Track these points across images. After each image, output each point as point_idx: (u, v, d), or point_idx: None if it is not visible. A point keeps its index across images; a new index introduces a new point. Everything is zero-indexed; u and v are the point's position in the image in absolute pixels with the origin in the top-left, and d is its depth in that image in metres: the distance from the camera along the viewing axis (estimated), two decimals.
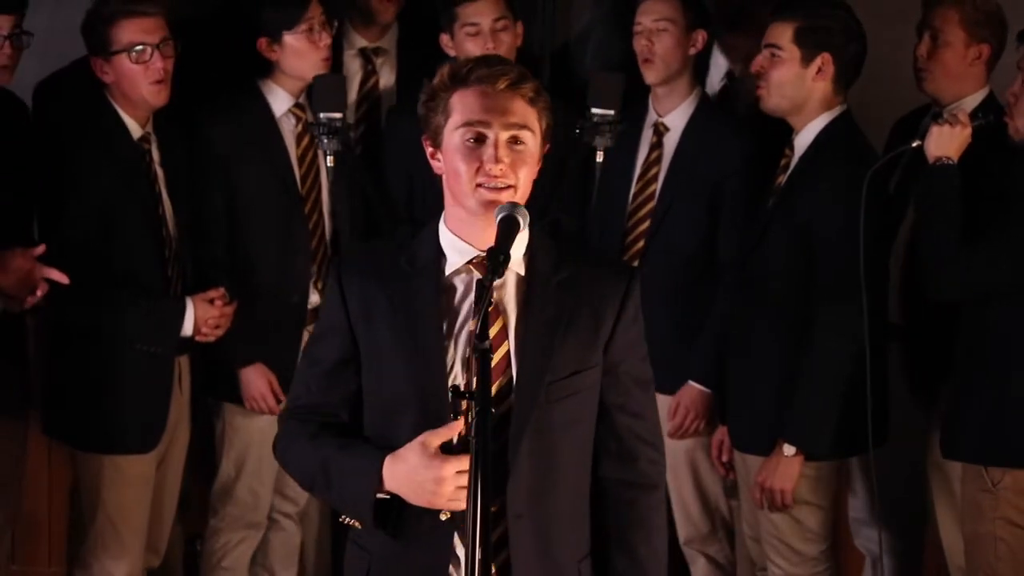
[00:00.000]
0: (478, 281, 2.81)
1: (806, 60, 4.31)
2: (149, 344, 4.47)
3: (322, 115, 4.53)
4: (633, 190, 4.74)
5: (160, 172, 4.55)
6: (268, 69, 4.74)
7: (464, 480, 2.81)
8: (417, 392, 2.95)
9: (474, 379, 2.74)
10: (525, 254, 3.00)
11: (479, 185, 2.91)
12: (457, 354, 2.96)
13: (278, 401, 4.73)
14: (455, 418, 2.91)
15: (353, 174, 4.72)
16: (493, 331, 2.95)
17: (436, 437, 2.90)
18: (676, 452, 4.77)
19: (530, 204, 3.09)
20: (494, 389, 2.90)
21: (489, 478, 2.71)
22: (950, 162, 4.11)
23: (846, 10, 4.38)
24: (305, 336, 4.72)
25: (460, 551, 2.95)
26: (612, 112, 4.50)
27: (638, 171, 4.75)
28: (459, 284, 2.99)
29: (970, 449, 4.14)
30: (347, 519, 3.03)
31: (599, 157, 4.53)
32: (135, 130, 4.48)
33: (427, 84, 3.00)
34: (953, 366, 4.23)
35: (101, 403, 4.47)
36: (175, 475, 4.73)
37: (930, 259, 4.11)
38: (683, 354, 4.65)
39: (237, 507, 4.86)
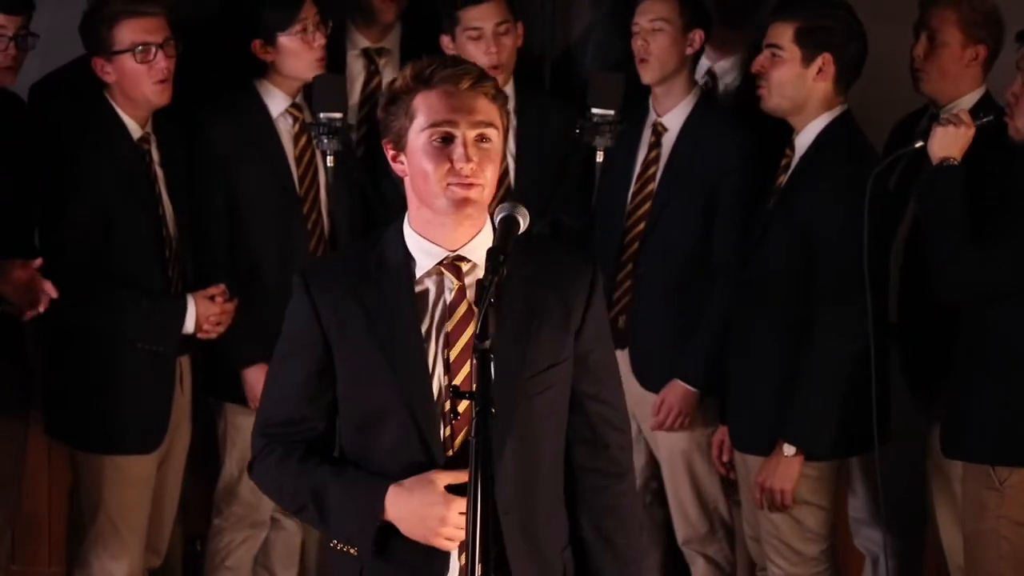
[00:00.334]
0: (478, 281, 2.80)
1: (807, 60, 4.31)
2: (151, 343, 4.47)
3: (322, 115, 4.53)
4: (632, 190, 4.75)
5: (160, 172, 4.55)
6: (265, 69, 4.75)
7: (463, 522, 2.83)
8: (399, 397, 2.94)
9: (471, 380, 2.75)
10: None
11: (449, 184, 2.90)
12: (438, 356, 2.96)
13: None
14: (455, 418, 2.91)
15: (352, 174, 4.72)
16: (468, 332, 2.95)
17: (444, 476, 2.91)
18: (673, 453, 4.78)
19: (530, 204, 3.09)
20: (474, 388, 2.89)
21: (489, 479, 2.71)
22: (954, 163, 4.11)
23: (847, 10, 4.38)
24: None
25: (453, 554, 2.97)
26: (612, 112, 4.50)
27: (637, 171, 4.76)
28: (431, 286, 2.99)
29: (976, 449, 4.13)
30: (340, 545, 3.01)
31: (599, 157, 4.53)
32: (135, 130, 4.48)
33: (386, 88, 3.01)
34: (953, 366, 4.23)
35: (103, 404, 4.47)
36: (176, 475, 4.73)
37: (937, 260, 4.11)
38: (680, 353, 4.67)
39: (240, 507, 4.87)
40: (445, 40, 4.75)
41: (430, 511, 2.90)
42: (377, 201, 4.73)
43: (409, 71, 2.95)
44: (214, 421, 4.90)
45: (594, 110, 4.50)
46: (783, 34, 4.33)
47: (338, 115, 4.53)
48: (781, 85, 4.34)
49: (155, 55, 4.39)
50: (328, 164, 4.59)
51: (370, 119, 5.04)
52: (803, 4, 4.35)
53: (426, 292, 2.98)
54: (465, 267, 2.98)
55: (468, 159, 2.89)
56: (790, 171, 4.40)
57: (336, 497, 2.98)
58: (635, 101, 4.68)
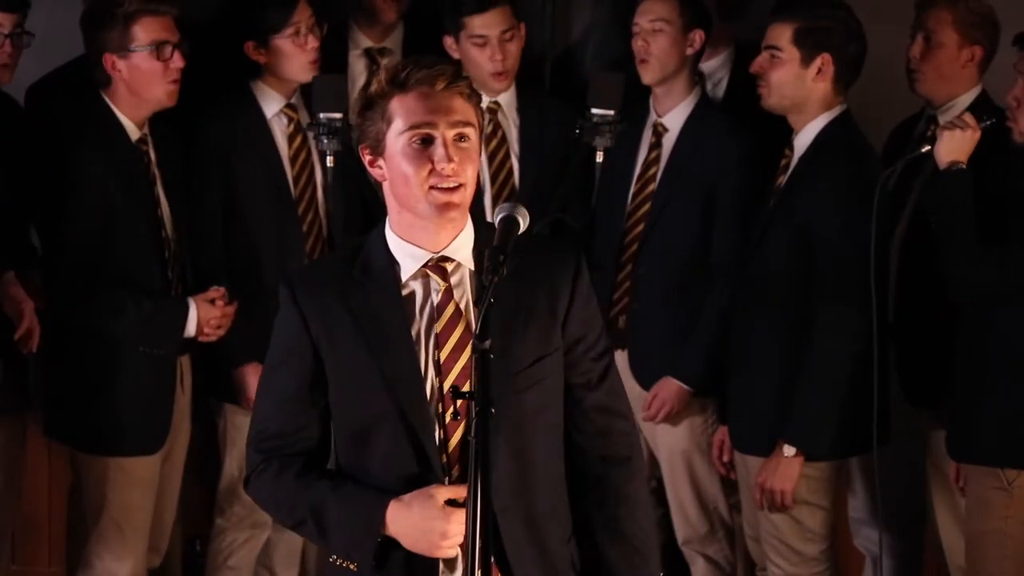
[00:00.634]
0: (478, 282, 2.80)
1: (806, 61, 4.31)
2: (152, 346, 4.47)
3: (322, 115, 4.54)
4: (632, 190, 4.75)
5: (158, 173, 4.54)
6: (261, 70, 4.75)
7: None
8: (393, 402, 2.94)
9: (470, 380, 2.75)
10: (474, 249, 2.99)
11: (432, 187, 2.90)
12: (429, 359, 2.96)
13: None
14: (455, 419, 2.91)
15: (352, 175, 4.71)
16: (458, 333, 2.95)
17: (444, 491, 2.91)
18: (673, 453, 4.78)
19: (530, 204, 3.09)
20: (464, 388, 2.90)
21: (489, 480, 2.72)
22: (962, 166, 4.10)
23: (846, 10, 4.37)
24: None
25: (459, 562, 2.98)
26: (612, 112, 4.51)
27: (637, 171, 4.76)
28: (417, 289, 2.98)
29: (986, 452, 4.12)
30: (339, 560, 3.01)
31: (599, 157, 4.53)
32: (133, 132, 4.47)
33: (360, 93, 3.00)
34: (952, 368, 4.22)
35: (105, 405, 4.46)
36: (176, 475, 4.73)
37: (950, 263, 4.10)
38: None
39: (242, 507, 4.86)
40: (448, 41, 4.75)
41: (431, 525, 2.90)
42: (375, 202, 4.73)
43: (383, 75, 2.95)
44: (214, 421, 4.90)
45: (594, 110, 4.50)
46: (782, 35, 4.33)
47: (338, 115, 4.53)
48: (780, 86, 4.34)
49: (171, 54, 4.39)
50: (328, 164, 4.59)
51: None
52: (802, 4, 4.35)
53: (413, 295, 2.98)
54: (450, 267, 2.98)
55: (449, 159, 2.89)
56: (789, 171, 4.40)
57: (335, 512, 2.97)
58: (635, 101, 4.68)
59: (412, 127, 2.90)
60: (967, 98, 4.48)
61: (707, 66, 4.92)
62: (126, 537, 4.56)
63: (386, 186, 2.98)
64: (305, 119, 4.73)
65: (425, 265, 2.97)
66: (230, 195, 4.72)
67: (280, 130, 4.77)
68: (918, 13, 4.52)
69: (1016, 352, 4.07)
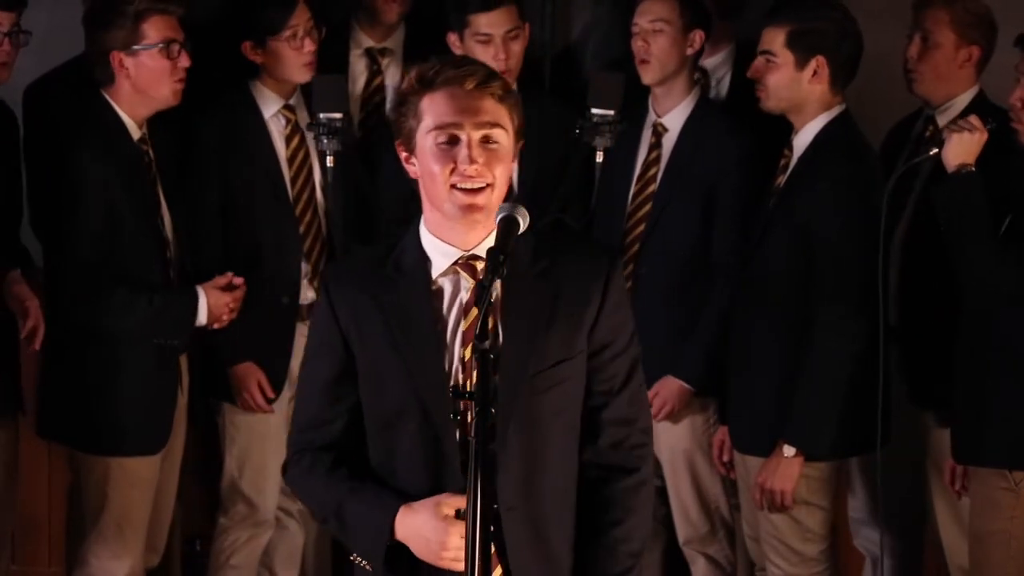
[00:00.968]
0: (477, 282, 2.80)
1: (800, 64, 4.31)
2: (165, 337, 4.48)
3: (322, 115, 4.53)
4: (632, 190, 4.74)
5: (158, 174, 4.54)
6: (259, 70, 4.75)
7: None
8: (417, 398, 2.95)
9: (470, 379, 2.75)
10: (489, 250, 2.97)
11: (453, 186, 2.90)
12: (454, 356, 2.96)
13: (268, 400, 4.76)
14: (455, 419, 2.91)
15: (348, 174, 4.71)
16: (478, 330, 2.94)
17: (452, 500, 2.91)
18: (675, 452, 4.78)
19: (530, 204, 3.09)
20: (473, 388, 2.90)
21: (489, 480, 2.72)
22: (971, 169, 4.10)
23: (838, 10, 4.37)
24: (297, 336, 4.76)
25: None
26: (612, 112, 4.50)
27: (637, 172, 4.75)
28: (447, 286, 2.99)
29: (993, 454, 4.11)
30: (358, 559, 3.04)
31: (599, 157, 4.53)
32: (134, 131, 4.47)
33: (395, 89, 3.01)
34: (955, 370, 4.21)
35: (108, 405, 4.46)
36: (173, 474, 4.72)
37: (965, 265, 4.09)
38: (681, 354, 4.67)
39: (245, 505, 4.88)
40: (452, 38, 4.74)
41: (432, 535, 2.91)
42: (375, 201, 4.73)
43: (414, 73, 2.95)
44: (215, 421, 4.90)
45: (594, 110, 4.49)
46: (775, 39, 4.33)
47: (338, 115, 4.53)
48: (777, 89, 4.35)
49: (179, 53, 4.39)
50: (328, 164, 4.59)
51: (371, 119, 5.05)
52: (794, 8, 4.35)
53: (442, 292, 2.98)
54: (480, 266, 2.96)
55: (471, 160, 2.89)
56: (789, 171, 4.40)
57: (353, 514, 3.00)
58: (635, 101, 4.68)
59: (438, 126, 2.91)
60: (965, 98, 4.49)
61: (709, 63, 4.93)
62: (125, 537, 4.56)
63: (420, 183, 2.99)
64: (305, 119, 4.73)
65: (455, 263, 2.97)
66: (227, 196, 4.73)
67: (278, 131, 4.77)
68: (915, 13, 4.53)
69: (1016, 352, 4.07)
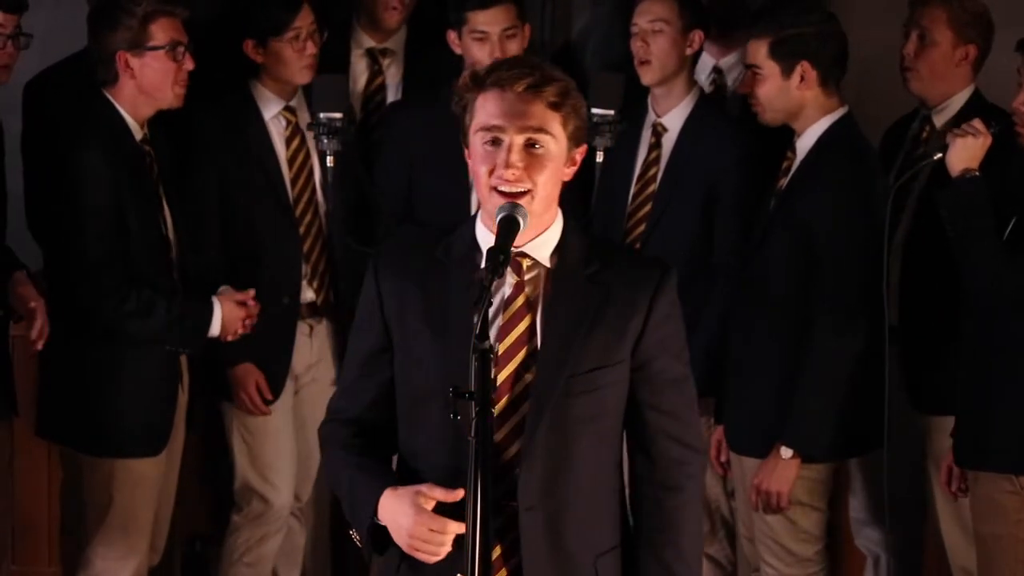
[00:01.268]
0: (478, 281, 2.80)
1: (786, 72, 4.32)
2: (179, 345, 4.49)
3: (322, 115, 4.53)
4: (632, 191, 4.75)
5: (159, 174, 4.54)
6: (259, 71, 4.75)
7: (434, 539, 2.87)
8: (444, 385, 2.91)
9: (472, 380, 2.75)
10: (555, 249, 2.99)
11: (494, 188, 2.91)
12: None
13: (266, 401, 4.77)
14: (455, 419, 2.90)
15: (348, 174, 4.71)
16: (521, 328, 2.95)
17: (434, 492, 2.91)
18: None
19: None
20: (520, 387, 2.93)
21: (489, 480, 2.72)
22: (975, 174, 4.09)
23: (815, 13, 4.38)
24: (298, 335, 4.79)
25: None
26: (612, 112, 4.51)
27: (637, 172, 4.76)
28: None
29: (998, 459, 4.10)
30: (355, 535, 3.06)
31: (599, 157, 4.53)
32: (136, 132, 4.46)
33: (455, 85, 3.01)
34: (961, 375, 4.19)
35: (111, 407, 4.45)
36: (173, 473, 4.72)
37: (971, 268, 4.08)
38: None
39: (260, 503, 4.88)
40: (451, 36, 4.74)
41: (404, 521, 2.91)
42: (375, 201, 4.73)
43: (470, 71, 2.98)
44: (220, 421, 4.90)
45: (594, 110, 4.49)
46: (758, 52, 4.34)
47: (338, 115, 4.53)
48: (769, 100, 4.35)
49: (184, 56, 4.39)
50: (328, 164, 4.58)
51: (371, 119, 5.05)
52: (772, 18, 4.35)
53: None
54: (526, 263, 2.97)
55: (509, 164, 2.89)
56: (791, 173, 4.40)
57: (352, 493, 3.02)
58: (635, 101, 4.68)
59: (483, 127, 2.92)
60: (961, 97, 4.49)
61: (724, 62, 4.95)
62: (130, 537, 4.55)
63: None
64: (305, 119, 4.73)
65: None
66: (227, 197, 4.73)
67: (278, 132, 4.78)
68: (912, 11, 4.54)
69: (1019, 353, 4.06)
